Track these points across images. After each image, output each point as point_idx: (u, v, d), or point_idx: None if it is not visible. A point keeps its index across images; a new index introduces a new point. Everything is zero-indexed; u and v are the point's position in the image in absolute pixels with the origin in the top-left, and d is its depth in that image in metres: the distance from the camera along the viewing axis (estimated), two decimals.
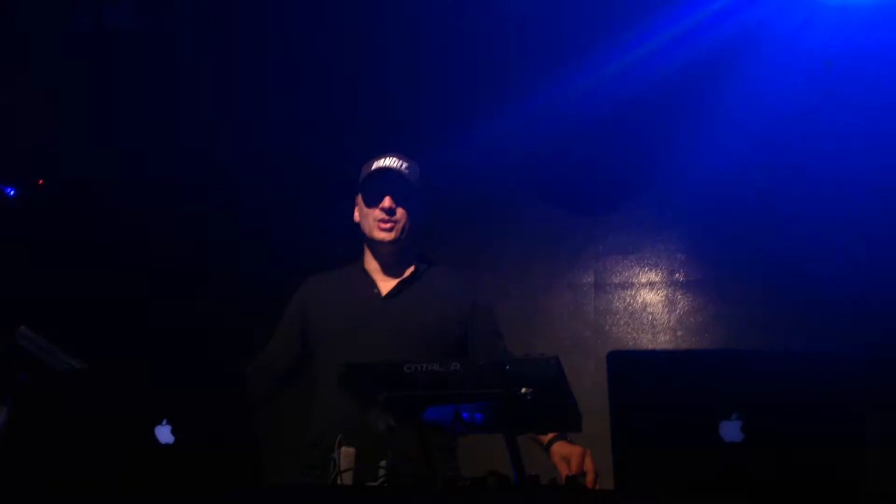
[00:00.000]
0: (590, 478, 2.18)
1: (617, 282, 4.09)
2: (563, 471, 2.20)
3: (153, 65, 4.36)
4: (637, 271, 4.09)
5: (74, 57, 4.25)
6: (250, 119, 4.41)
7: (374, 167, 2.73)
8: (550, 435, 2.32)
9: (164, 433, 1.74)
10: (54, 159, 4.29)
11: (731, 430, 1.53)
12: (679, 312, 4.00)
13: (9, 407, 1.97)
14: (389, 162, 2.72)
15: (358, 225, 2.77)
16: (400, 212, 2.69)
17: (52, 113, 4.26)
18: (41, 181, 4.29)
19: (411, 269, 2.74)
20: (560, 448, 2.28)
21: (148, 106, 4.42)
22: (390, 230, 2.68)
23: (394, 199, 2.68)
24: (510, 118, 4.21)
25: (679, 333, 3.97)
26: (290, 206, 4.35)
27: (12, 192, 4.21)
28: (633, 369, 1.64)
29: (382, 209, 2.67)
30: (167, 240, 4.34)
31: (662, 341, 3.97)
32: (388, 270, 2.73)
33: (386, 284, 2.71)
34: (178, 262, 4.30)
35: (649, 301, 4.04)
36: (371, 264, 2.76)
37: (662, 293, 4.04)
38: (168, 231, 4.35)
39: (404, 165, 2.72)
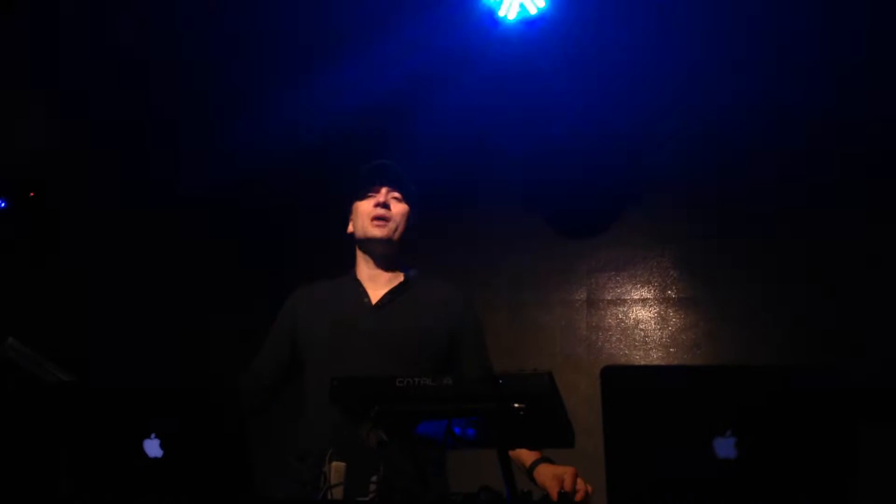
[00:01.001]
0: (580, 496, 2.16)
1: (609, 298, 4.09)
2: (555, 488, 2.18)
3: (154, 77, 4.37)
4: (629, 288, 4.09)
5: (74, 72, 4.25)
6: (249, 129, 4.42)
7: (371, 164, 2.75)
8: (533, 458, 2.30)
9: (152, 447, 1.72)
10: (49, 172, 4.28)
11: (725, 447, 1.52)
12: (671, 329, 3.99)
13: None
14: (387, 162, 2.75)
15: (352, 236, 2.76)
16: (395, 210, 2.70)
17: (48, 126, 4.26)
18: (32, 193, 4.28)
19: (401, 278, 2.72)
20: (549, 469, 2.26)
21: (148, 115, 4.43)
22: (384, 226, 2.67)
23: (389, 193, 2.70)
24: (502, 135, 4.23)
25: (671, 350, 3.97)
26: (283, 214, 4.34)
27: (3, 205, 4.19)
28: (627, 385, 1.62)
29: (378, 204, 2.68)
30: (158, 252, 4.33)
31: (654, 358, 3.96)
32: (379, 279, 2.71)
33: (376, 293, 2.68)
34: (170, 274, 4.29)
35: (641, 318, 4.04)
36: (362, 273, 2.73)
37: (655, 310, 4.04)
38: (160, 243, 4.34)
39: (401, 169, 2.75)
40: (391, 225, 2.68)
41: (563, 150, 4.17)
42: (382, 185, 2.72)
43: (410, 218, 2.76)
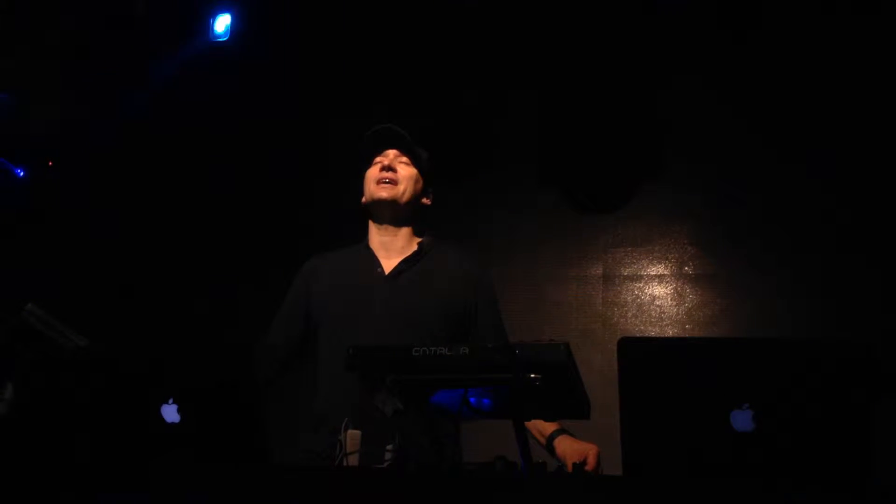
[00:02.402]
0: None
1: (626, 274, 4.08)
2: (573, 459, 2.18)
3: (162, 52, 4.38)
4: (646, 264, 4.07)
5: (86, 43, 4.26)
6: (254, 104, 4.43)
7: (374, 129, 2.72)
8: (552, 428, 2.30)
9: (170, 412, 1.74)
10: (65, 141, 4.30)
11: (742, 420, 1.51)
12: (688, 305, 3.98)
13: (14, 384, 1.97)
14: (389, 126, 2.71)
15: (366, 208, 2.74)
16: (402, 173, 2.66)
17: (62, 97, 4.27)
18: (50, 163, 4.30)
19: (415, 247, 2.67)
20: (571, 442, 2.26)
21: (154, 89, 4.44)
22: (389, 187, 2.62)
23: (387, 156, 2.67)
24: (521, 105, 4.21)
25: (687, 327, 3.95)
26: (297, 187, 4.34)
27: (22, 174, 4.21)
28: (643, 357, 1.62)
29: (384, 167, 2.64)
30: (175, 221, 4.35)
31: (670, 334, 3.95)
32: (392, 248, 2.66)
33: (389, 263, 2.64)
34: (186, 243, 4.31)
35: (658, 294, 4.03)
36: (374, 241, 2.69)
37: (671, 286, 4.02)
38: (176, 211, 4.36)
39: (407, 134, 2.71)
40: (398, 188, 2.63)
41: (580, 124, 4.14)
42: (388, 148, 2.69)
43: (421, 184, 2.71)
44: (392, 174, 2.64)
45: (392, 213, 2.66)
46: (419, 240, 2.70)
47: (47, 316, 2.07)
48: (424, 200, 2.74)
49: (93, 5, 4.24)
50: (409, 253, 2.66)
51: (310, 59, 4.42)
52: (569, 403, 1.80)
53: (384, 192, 2.63)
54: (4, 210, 4.11)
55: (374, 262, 2.65)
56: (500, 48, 4.20)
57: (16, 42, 4.11)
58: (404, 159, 2.69)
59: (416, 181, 2.69)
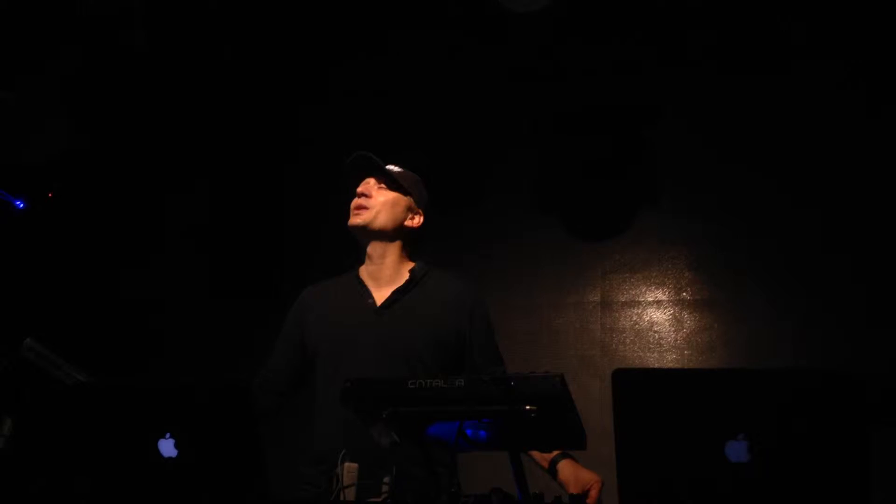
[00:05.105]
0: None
1: (624, 300, 4.08)
2: (574, 489, 2.18)
3: (164, 84, 4.41)
4: (644, 290, 4.07)
5: (87, 75, 4.29)
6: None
7: (349, 159, 2.69)
8: (552, 455, 2.30)
9: (167, 447, 1.74)
10: (65, 173, 4.32)
11: (737, 451, 1.52)
12: (686, 331, 3.98)
13: (14, 419, 1.97)
14: (363, 153, 2.68)
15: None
16: (377, 198, 2.63)
17: (63, 129, 4.30)
18: (50, 194, 4.31)
19: (406, 276, 2.63)
20: (574, 470, 2.26)
21: (158, 120, 4.47)
22: (359, 214, 2.61)
23: (367, 184, 2.65)
24: (517, 132, 4.24)
25: (686, 352, 3.95)
26: (292, 214, 4.36)
27: (22, 205, 4.23)
28: (639, 388, 1.63)
29: (357, 194, 2.64)
30: (174, 255, 4.37)
31: (669, 360, 3.95)
32: (381, 277, 2.63)
33: (380, 293, 2.61)
34: (184, 277, 4.32)
35: (656, 320, 4.03)
36: (363, 271, 2.67)
37: (669, 312, 4.02)
38: (175, 246, 4.38)
39: (381, 160, 2.69)
40: (370, 213, 2.60)
41: (577, 150, 4.17)
42: (366, 175, 2.67)
43: (403, 206, 2.66)
44: (363, 200, 2.63)
45: (366, 239, 2.65)
46: (412, 265, 2.66)
47: (46, 351, 2.08)
48: (409, 223, 2.68)
49: (93, 36, 4.26)
50: (400, 282, 2.62)
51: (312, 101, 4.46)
52: (564, 435, 1.80)
53: (357, 220, 2.62)
54: (4, 242, 4.12)
55: (366, 292, 2.63)
56: (499, 81, 4.23)
57: (15, 72, 4.14)
58: (383, 185, 2.67)
59: (395, 205, 2.65)
